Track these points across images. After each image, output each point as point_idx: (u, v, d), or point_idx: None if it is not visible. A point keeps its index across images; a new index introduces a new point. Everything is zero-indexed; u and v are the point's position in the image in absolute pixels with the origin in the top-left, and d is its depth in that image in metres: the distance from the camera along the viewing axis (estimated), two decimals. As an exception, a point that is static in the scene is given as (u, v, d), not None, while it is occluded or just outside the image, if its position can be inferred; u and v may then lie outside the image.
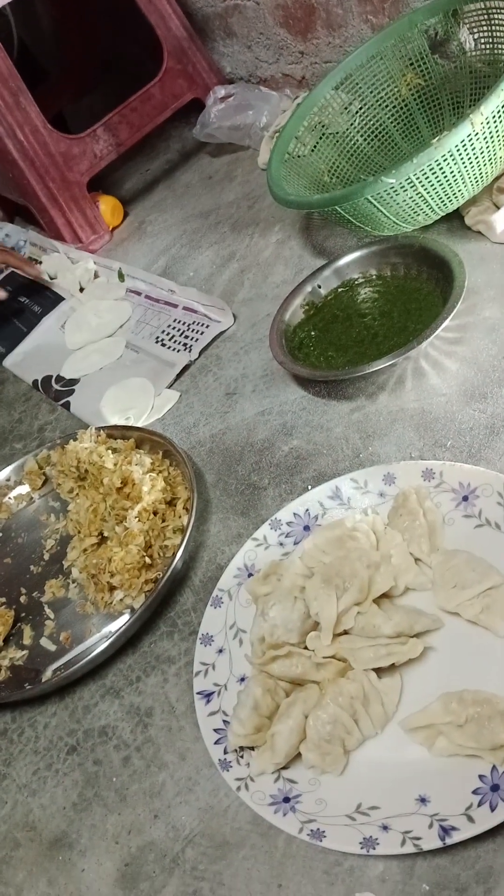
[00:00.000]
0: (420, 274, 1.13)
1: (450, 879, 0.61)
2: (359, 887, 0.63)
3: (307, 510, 0.92)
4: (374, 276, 1.18)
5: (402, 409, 1.01)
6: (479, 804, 0.62)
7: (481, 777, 0.64)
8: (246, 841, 0.69)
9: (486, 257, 1.12)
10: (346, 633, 0.77)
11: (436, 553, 0.81)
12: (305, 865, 0.66)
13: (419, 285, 1.12)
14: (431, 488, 0.87)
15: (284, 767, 0.72)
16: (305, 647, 0.77)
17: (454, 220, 1.18)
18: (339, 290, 1.20)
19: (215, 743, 0.75)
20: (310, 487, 0.96)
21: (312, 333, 1.17)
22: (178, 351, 1.31)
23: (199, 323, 1.33)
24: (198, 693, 0.80)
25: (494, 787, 0.62)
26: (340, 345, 1.12)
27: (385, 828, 0.63)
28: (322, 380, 1.08)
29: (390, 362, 0.99)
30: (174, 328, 1.36)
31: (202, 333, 1.31)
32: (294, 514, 0.92)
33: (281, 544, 0.90)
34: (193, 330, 1.33)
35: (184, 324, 1.35)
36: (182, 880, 0.69)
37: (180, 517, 1.01)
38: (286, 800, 0.69)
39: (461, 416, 0.95)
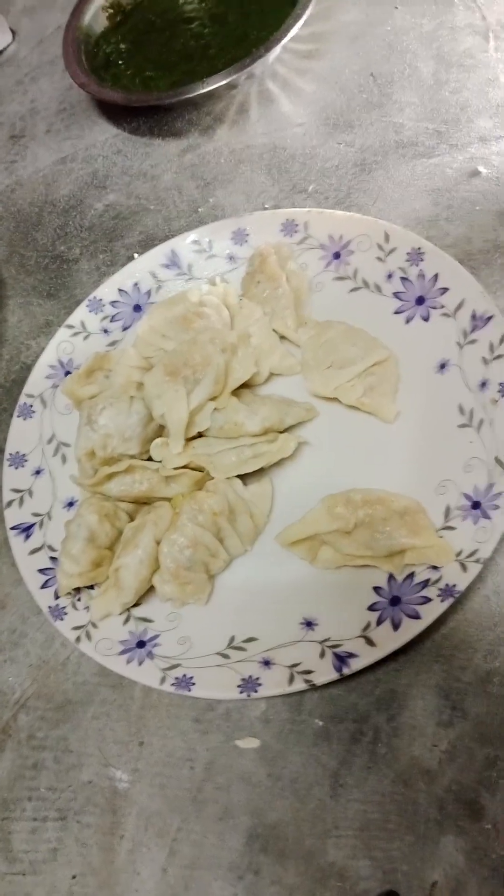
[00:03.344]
0: (261, -40, 0.85)
1: (346, 710, 0.51)
2: (238, 733, 0.52)
3: (136, 284, 0.71)
4: (199, -35, 0.89)
5: (248, 147, 0.79)
6: (379, 622, 0.51)
7: (377, 590, 0.53)
8: (93, 697, 0.56)
9: None
10: (200, 435, 0.60)
11: (304, 327, 0.65)
12: (171, 716, 0.54)
13: (260, -23, 0.85)
14: (294, 245, 0.68)
15: (135, 605, 0.57)
16: (150, 459, 0.60)
17: None
18: (154, -16, 0.89)
19: (42, 587, 0.58)
20: (136, 255, 0.74)
21: (122, 47, 0.87)
22: None
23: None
24: (13, 528, 0.61)
25: (394, 601, 0.51)
26: (161, 62, 0.85)
27: (266, 663, 0.52)
28: (140, 106, 0.81)
29: (230, 78, 0.75)
30: None
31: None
32: (119, 290, 0.71)
33: (105, 331, 0.70)
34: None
35: None
36: (17, 753, 0.55)
37: (-34, 303, 0.76)
38: (140, 644, 0.55)
39: (324, 151, 0.75)
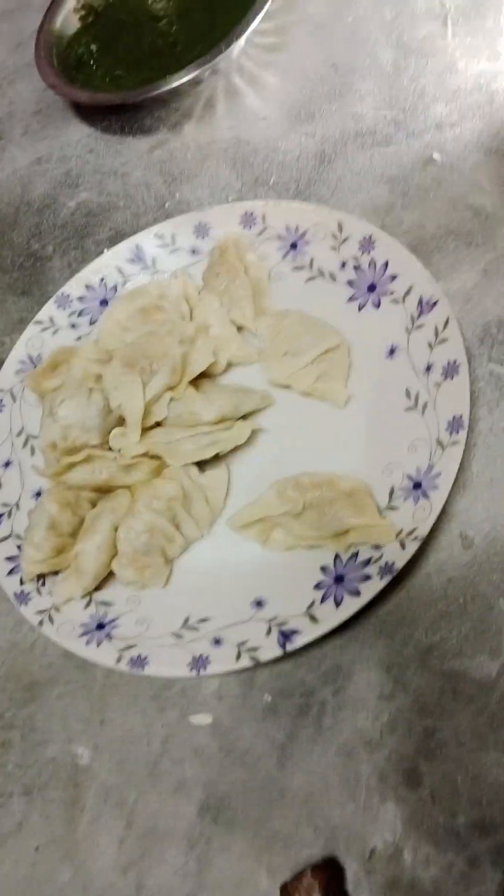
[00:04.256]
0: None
1: (294, 685, 0.53)
2: (193, 709, 0.54)
3: (102, 279, 0.73)
4: (166, -37, 0.90)
5: (213, 142, 0.80)
6: (323, 600, 0.53)
7: (323, 569, 0.54)
8: (59, 677, 0.59)
9: None
10: (158, 425, 0.62)
11: (263, 317, 0.66)
12: (130, 694, 0.56)
13: (224, -27, 0.86)
14: (254, 237, 0.70)
15: (98, 589, 0.59)
16: (110, 449, 0.62)
17: None
18: (123, -16, 0.91)
19: (9, 574, 0.61)
20: (106, 251, 0.76)
21: (93, 48, 0.89)
22: None
23: None
24: (-18, 517, 0.64)
25: (338, 579, 0.53)
26: (131, 60, 0.86)
27: (217, 641, 0.54)
28: (109, 105, 0.83)
29: (193, 74, 0.76)
30: None
31: None
32: (86, 285, 0.73)
33: (73, 326, 0.72)
34: None
35: None
36: (-13, 732, 0.58)
37: None
38: (100, 626, 0.57)
39: (286, 143, 0.76)
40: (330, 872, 0.47)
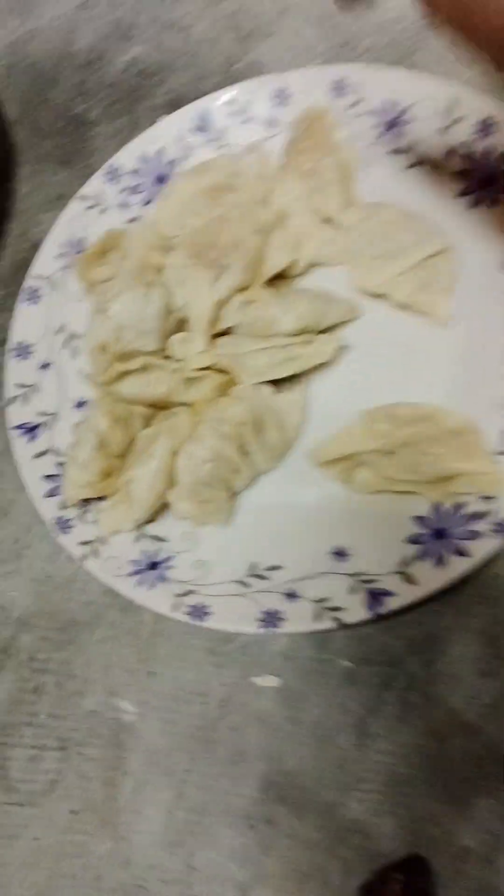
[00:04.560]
0: None
1: (377, 652, 0.45)
2: (257, 669, 0.47)
3: (160, 151, 0.61)
4: None
5: (296, -11, 0.66)
6: (420, 557, 0.44)
7: (420, 520, 0.46)
8: (101, 619, 0.51)
9: None
10: (227, 332, 0.52)
11: (352, 209, 0.55)
12: (183, 645, 0.49)
13: None
14: (346, 110, 0.57)
15: (149, 521, 0.51)
16: (168, 357, 0.52)
17: None
18: None
19: (47, 495, 0.52)
20: (163, 118, 0.64)
21: None
22: None
23: None
24: (16, 428, 0.55)
25: (439, 533, 0.45)
26: None
27: (291, 595, 0.46)
28: None
29: None
30: None
31: None
32: (141, 157, 0.61)
33: (124, 205, 0.60)
34: None
35: None
36: (17, 674, 0.51)
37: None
38: (153, 566, 0.49)
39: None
40: (415, 873, 0.40)
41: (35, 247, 0.63)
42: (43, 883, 0.45)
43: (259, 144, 0.59)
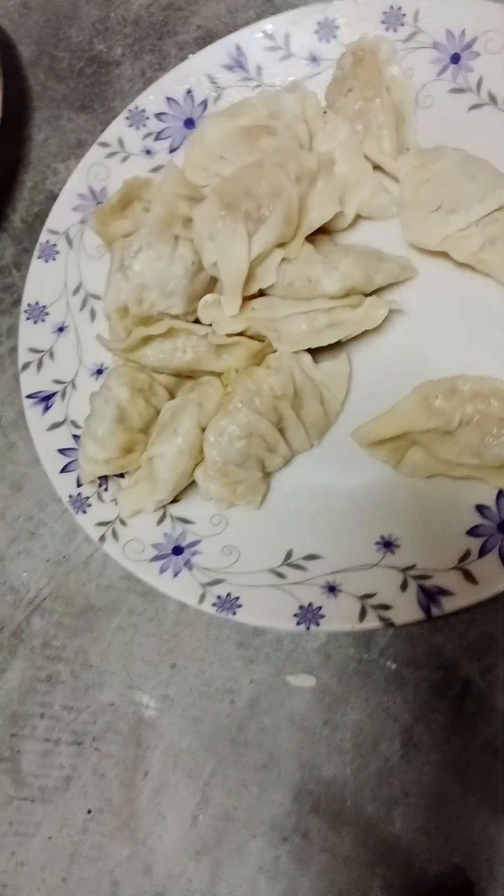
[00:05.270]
0: None
1: (428, 654, 0.41)
2: (290, 667, 0.43)
3: (189, 91, 0.55)
4: None
5: None
6: (482, 552, 0.39)
7: (481, 510, 0.41)
8: (120, 604, 0.47)
9: None
10: (262, 294, 0.47)
11: (406, 154, 0.49)
12: (211, 637, 0.45)
13: None
14: (399, 43, 0.51)
15: (173, 501, 0.47)
16: (197, 321, 0.47)
17: None
18: None
19: (62, 471, 0.48)
20: (192, 55, 0.58)
21: None
22: None
23: None
24: (29, 396, 0.50)
25: (503, 527, 0.40)
26: None
27: (332, 589, 0.41)
28: None
29: None
30: None
31: None
32: (167, 98, 0.55)
33: (148, 152, 0.55)
34: None
35: None
36: (30, 661, 0.47)
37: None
38: (177, 550, 0.45)
39: None
40: (465, 899, 0.36)
41: (51, 199, 0.58)
42: (57, 886, 0.42)
43: (300, 83, 0.53)
